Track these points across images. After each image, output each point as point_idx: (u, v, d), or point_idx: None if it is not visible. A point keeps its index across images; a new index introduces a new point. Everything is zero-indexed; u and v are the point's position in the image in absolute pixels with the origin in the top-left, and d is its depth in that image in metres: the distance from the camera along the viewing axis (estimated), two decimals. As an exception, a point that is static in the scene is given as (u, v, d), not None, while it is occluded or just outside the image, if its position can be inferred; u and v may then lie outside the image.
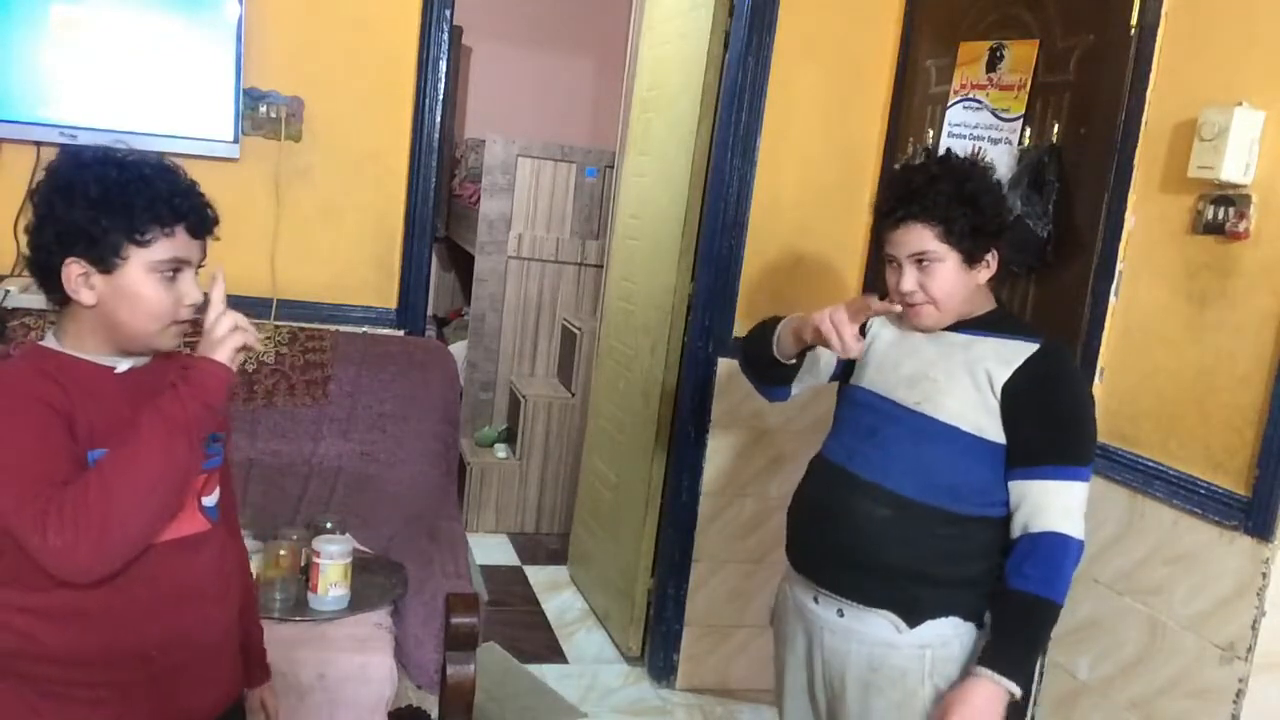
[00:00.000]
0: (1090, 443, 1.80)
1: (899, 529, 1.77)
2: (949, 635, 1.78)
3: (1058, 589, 1.71)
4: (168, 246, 1.36)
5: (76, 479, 1.28)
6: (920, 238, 1.76)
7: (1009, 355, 1.76)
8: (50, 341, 1.40)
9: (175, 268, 1.38)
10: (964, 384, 1.77)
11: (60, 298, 1.37)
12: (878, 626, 1.80)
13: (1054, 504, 1.72)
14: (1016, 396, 1.74)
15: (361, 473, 2.71)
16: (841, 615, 1.83)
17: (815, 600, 1.87)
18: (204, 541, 1.46)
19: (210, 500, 1.48)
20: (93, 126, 2.58)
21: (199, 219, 1.40)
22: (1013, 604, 1.72)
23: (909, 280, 1.78)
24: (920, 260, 1.77)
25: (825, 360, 1.99)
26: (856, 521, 1.80)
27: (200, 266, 1.44)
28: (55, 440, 1.30)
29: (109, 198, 1.33)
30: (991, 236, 1.78)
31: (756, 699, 3.27)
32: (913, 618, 1.77)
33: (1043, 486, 1.73)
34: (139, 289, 1.36)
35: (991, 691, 1.67)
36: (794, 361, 1.97)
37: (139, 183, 1.34)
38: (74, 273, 1.34)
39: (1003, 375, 1.75)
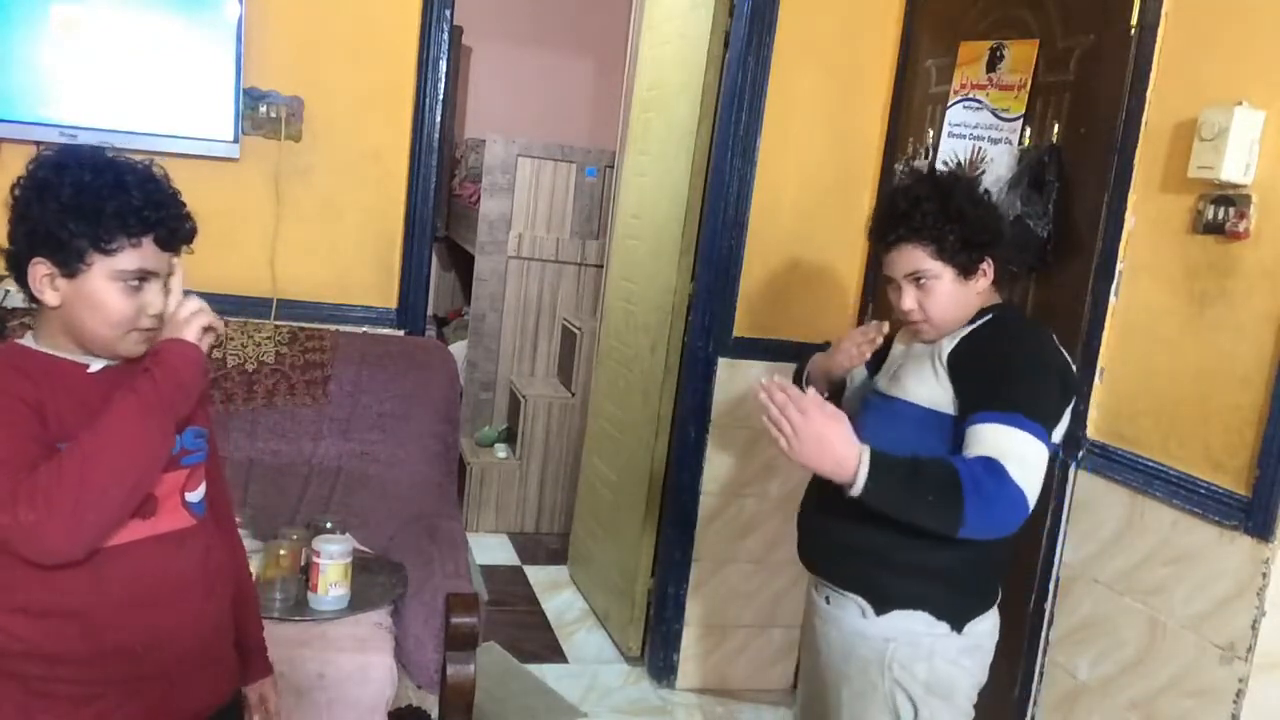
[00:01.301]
0: (1034, 397, 1.69)
1: (863, 509, 1.73)
2: (919, 632, 1.78)
3: (973, 489, 1.58)
4: (134, 257, 1.35)
5: (49, 460, 1.29)
6: (913, 258, 1.79)
7: (962, 330, 1.81)
8: (28, 340, 1.41)
9: (141, 278, 1.36)
10: (925, 364, 1.82)
11: (31, 295, 1.38)
12: (850, 611, 1.83)
13: (988, 442, 1.64)
14: (957, 359, 1.77)
15: (361, 473, 2.71)
16: (828, 602, 1.88)
17: (815, 588, 1.94)
18: (189, 537, 1.46)
19: (194, 496, 1.48)
20: (93, 126, 2.58)
21: (169, 232, 1.37)
22: (931, 458, 1.64)
23: (908, 299, 1.82)
24: (918, 279, 1.80)
25: (859, 377, 2.08)
26: (832, 505, 1.80)
27: (171, 276, 1.43)
28: (25, 429, 1.30)
29: (80, 202, 1.32)
30: (983, 247, 1.80)
31: (756, 699, 3.27)
32: (880, 604, 1.79)
33: (977, 430, 1.66)
34: (101, 296, 1.35)
35: (850, 450, 1.59)
36: (826, 395, 2.01)
37: (113, 189, 1.33)
38: (39, 273, 1.35)
39: (950, 346, 1.79)
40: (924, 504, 1.62)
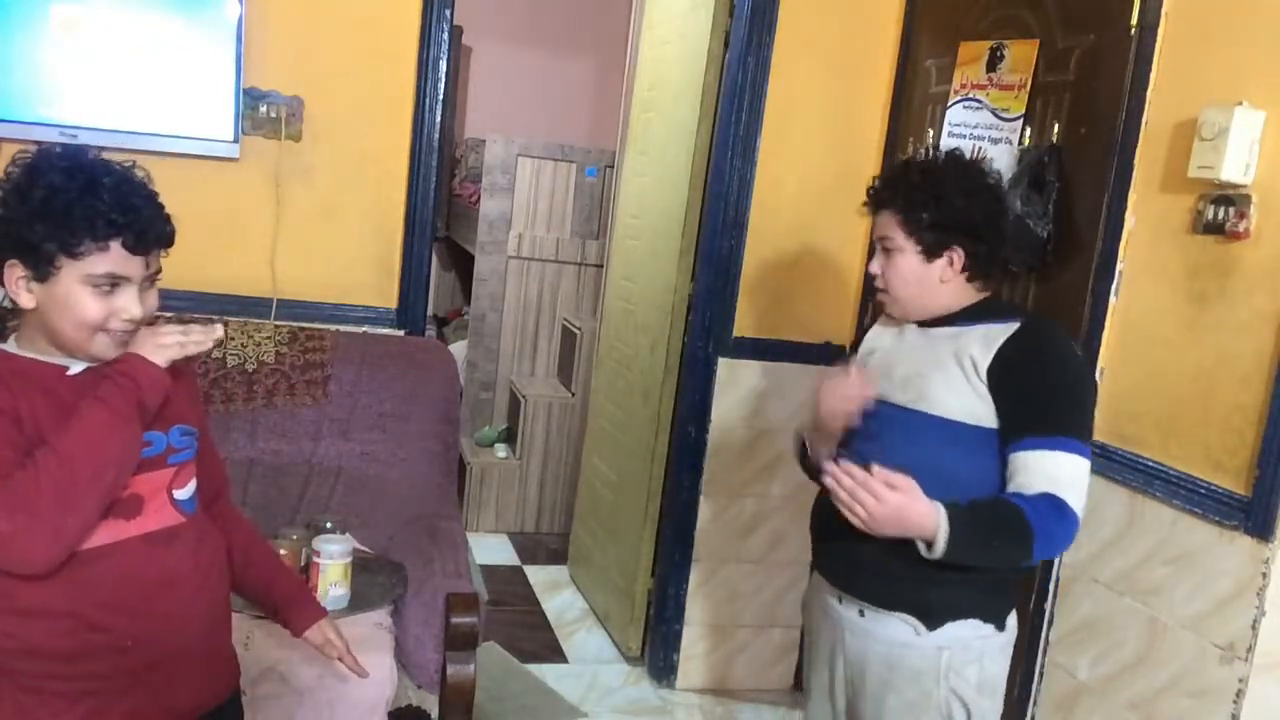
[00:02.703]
0: (1080, 416, 1.73)
1: None
2: (969, 637, 1.77)
3: (1042, 535, 1.63)
4: (103, 261, 1.34)
5: (23, 468, 1.29)
6: (886, 224, 1.82)
7: (992, 339, 1.76)
8: (10, 344, 1.42)
9: (113, 283, 1.35)
10: (954, 375, 1.77)
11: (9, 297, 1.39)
12: (897, 629, 1.79)
13: (1041, 471, 1.67)
14: (999, 375, 1.74)
15: (361, 473, 2.71)
16: (863, 615, 1.84)
17: (839, 600, 1.88)
18: (178, 534, 1.46)
19: (183, 493, 1.48)
20: (93, 126, 2.58)
21: (137, 235, 1.35)
22: (998, 503, 1.67)
23: (875, 263, 1.86)
24: (886, 247, 1.83)
25: None
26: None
27: (154, 280, 1.42)
28: (1, 436, 1.31)
29: (50, 206, 1.31)
30: (954, 233, 1.77)
31: (756, 699, 3.27)
32: (931, 620, 1.77)
33: (1028, 457, 1.68)
34: (72, 299, 1.34)
35: (927, 517, 1.60)
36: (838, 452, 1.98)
37: (82, 192, 1.32)
38: (14, 276, 1.35)
39: (986, 359, 1.74)
40: (997, 555, 1.70)
